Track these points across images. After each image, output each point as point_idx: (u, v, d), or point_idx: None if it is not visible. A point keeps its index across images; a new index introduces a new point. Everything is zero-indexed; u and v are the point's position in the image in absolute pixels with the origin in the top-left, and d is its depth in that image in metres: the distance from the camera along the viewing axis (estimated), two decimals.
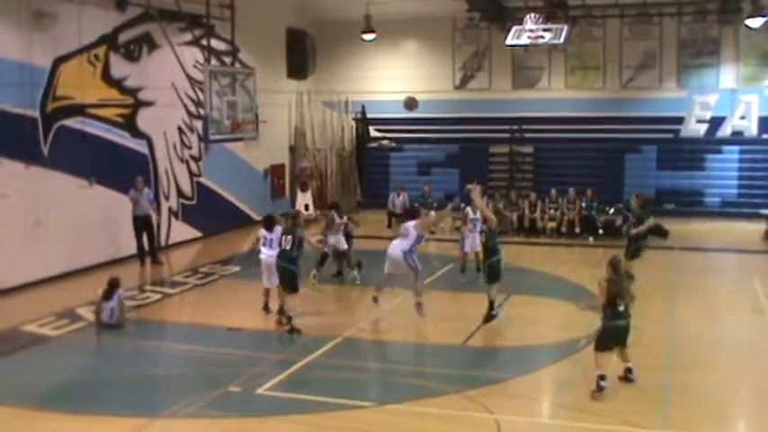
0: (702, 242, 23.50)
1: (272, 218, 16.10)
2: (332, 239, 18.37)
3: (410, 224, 15.35)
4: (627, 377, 11.81)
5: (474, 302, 16.61)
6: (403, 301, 16.57)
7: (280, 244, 14.74)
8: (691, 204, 26.85)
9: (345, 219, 19.10)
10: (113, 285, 15.16)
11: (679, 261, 21.21)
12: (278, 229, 15.33)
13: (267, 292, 15.76)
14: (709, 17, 26.98)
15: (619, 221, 24.25)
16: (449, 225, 25.49)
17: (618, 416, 10.61)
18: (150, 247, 20.73)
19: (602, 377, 11.26)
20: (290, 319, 14.42)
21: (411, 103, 15.37)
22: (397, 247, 14.93)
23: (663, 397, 11.34)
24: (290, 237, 14.59)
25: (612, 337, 11.46)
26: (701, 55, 27.84)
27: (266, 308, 15.76)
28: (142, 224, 20.43)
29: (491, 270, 14.94)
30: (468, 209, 19.12)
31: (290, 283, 14.55)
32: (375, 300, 15.43)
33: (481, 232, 15.99)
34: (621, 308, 11.37)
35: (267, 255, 15.44)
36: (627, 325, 11.51)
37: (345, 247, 18.75)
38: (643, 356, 12.98)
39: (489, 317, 14.80)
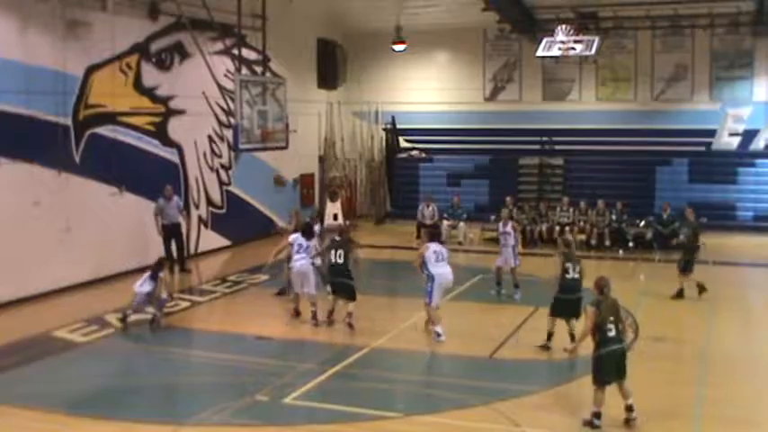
0: (735, 256, 23.24)
1: (311, 226, 16.21)
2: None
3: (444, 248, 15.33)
4: (629, 419, 10.69)
5: (502, 314, 16.59)
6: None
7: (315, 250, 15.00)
8: (723, 218, 26.50)
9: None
10: (160, 264, 15.55)
11: (711, 275, 20.96)
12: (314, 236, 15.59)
13: (297, 297, 15.83)
14: (742, 29, 26.73)
15: (649, 234, 24.08)
16: (477, 237, 25.43)
17: (648, 430, 10.48)
18: (179, 256, 20.81)
19: (596, 414, 10.58)
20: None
21: (278, 181, 15.95)
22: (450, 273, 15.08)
23: (694, 413, 11.21)
24: (341, 251, 14.99)
25: (608, 366, 10.57)
26: (734, 67, 27.58)
27: (297, 313, 15.83)
28: (170, 232, 20.52)
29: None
30: (500, 223, 18.98)
31: (349, 293, 15.20)
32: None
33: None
34: (612, 333, 10.57)
35: (302, 262, 15.49)
36: (622, 350, 10.69)
37: None
38: (675, 372, 12.90)
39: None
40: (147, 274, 15.70)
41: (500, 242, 18.81)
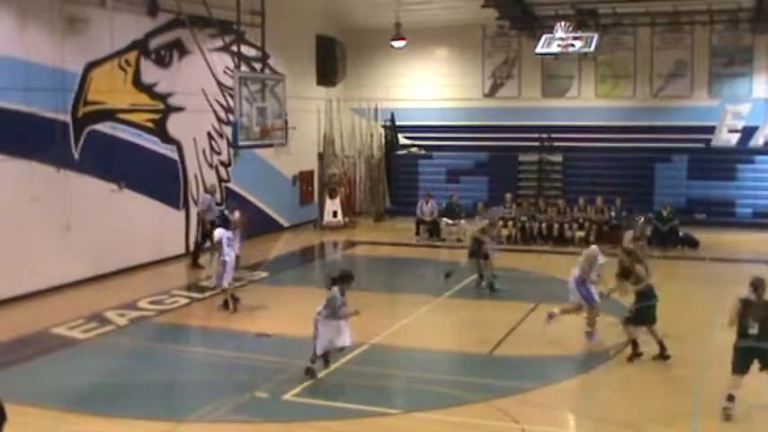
0: (734, 253, 23.25)
1: (226, 218, 17.30)
2: None
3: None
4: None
5: (501, 311, 16.59)
6: (429, 310, 16.57)
7: None
8: (722, 215, 26.57)
9: None
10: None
11: (710, 272, 21.02)
12: None
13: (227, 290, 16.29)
14: (742, 25, 26.71)
15: (648, 231, 24.07)
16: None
17: (648, 428, 10.50)
18: (195, 251, 21.24)
19: (729, 397, 10.83)
20: None
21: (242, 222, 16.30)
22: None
23: (693, 409, 11.21)
24: None
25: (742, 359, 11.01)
26: (734, 64, 27.59)
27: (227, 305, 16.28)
28: (209, 229, 20.68)
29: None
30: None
31: None
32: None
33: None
34: (753, 330, 10.91)
35: (233, 255, 16.36)
36: (758, 348, 10.97)
37: None
38: (674, 368, 12.89)
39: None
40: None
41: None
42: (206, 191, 21.97)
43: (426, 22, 28.92)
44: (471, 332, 15.11)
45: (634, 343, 13.25)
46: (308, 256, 24.76)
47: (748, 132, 27.61)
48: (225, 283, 16.21)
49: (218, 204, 21.72)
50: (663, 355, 13.21)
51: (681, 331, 14.76)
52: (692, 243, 23.72)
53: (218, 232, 16.31)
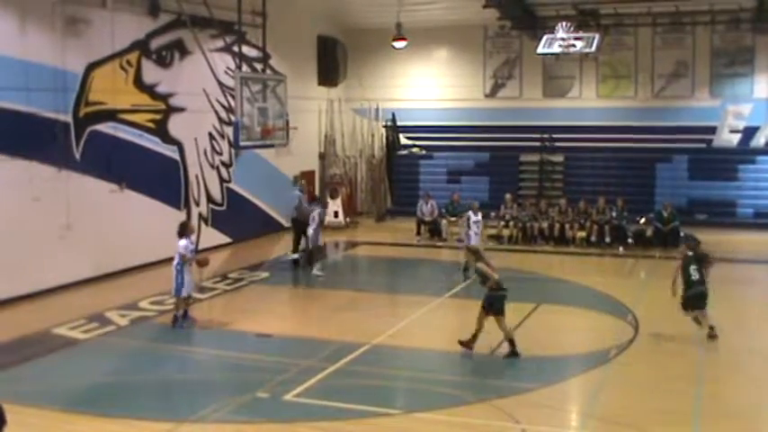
0: (734, 253, 23.19)
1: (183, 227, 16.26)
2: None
3: None
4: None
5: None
6: (430, 310, 16.57)
7: None
8: (723, 215, 26.55)
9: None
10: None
11: (711, 272, 20.96)
12: None
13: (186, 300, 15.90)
14: (743, 26, 26.70)
15: (649, 232, 24.07)
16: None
17: (648, 427, 10.49)
18: (302, 249, 21.32)
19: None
20: None
21: (202, 262, 15.88)
22: None
23: (693, 409, 11.20)
24: None
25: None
26: (735, 64, 27.57)
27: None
28: (302, 226, 20.96)
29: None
30: (470, 212, 20.21)
31: None
32: None
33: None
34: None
35: None
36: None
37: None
38: (674, 367, 12.89)
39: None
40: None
41: (471, 230, 19.89)
42: (300, 190, 22.28)
43: (427, 22, 28.93)
44: (472, 332, 15.07)
45: (512, 341, 13.56)
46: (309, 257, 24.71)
47: (749, 133, 27.59)
48: (184, 293, 15.66)
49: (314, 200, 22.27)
50: (512, 352, 13.46)
51: (681, 331, 14.76)
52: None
53: (182, 244, 15.65)
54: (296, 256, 21.24)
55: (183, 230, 15.82)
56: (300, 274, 20.96)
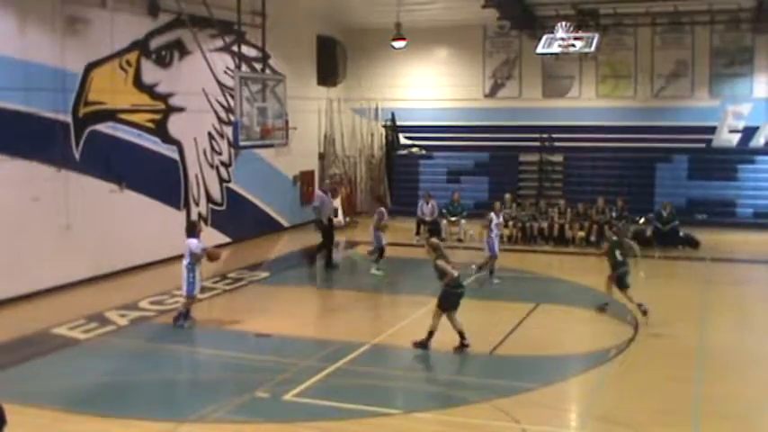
0: (734, 253, 23.26)
1: (191, 225, 16.19)
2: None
3: None
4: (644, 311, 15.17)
5: (501, 311, 16.60)
6: (430, 310, 16.56)
7: None
8: (722, 215, 26.57)
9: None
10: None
11: (710, 272, 21.02)
12: None
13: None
14: (742, 26, 26.74)
15: (649, 232, 24.08)
16: (478, 233, 25.42)
17: (647, 428, 10.50)
18: (328, 251, 21.31)
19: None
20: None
21: (213, 256, 15.57)
22: None
23: (693, 409, 11.21)
24: None
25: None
26: (734, 64, 27.58)
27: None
28: (330, 229, 21.09)
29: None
30: (492, 214, 19.72)
31: None
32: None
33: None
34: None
35: None
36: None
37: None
38: (673, 368, 12.90)
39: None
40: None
41: (492, 232, 19.37)
42: (323, 190, 22.27)
43: (427, 22, 28.93)
44: (472, 332, 15.06)
45: (462, 334, 13.77)
46: (309, 257, 24.72)
47: (749, 132, 27.61)
48: (195, 292, 15.64)
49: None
50: (462, 345, 13.68)
51: (681, 331, 14.79)
52: (693, 243, 23.71)
53: (194, 243, 15.46)
54: (332, 258, 21.37)
55: (193, 229, 15.76)
56: (300, 274, 20.97)
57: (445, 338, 14.65)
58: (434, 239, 14.67)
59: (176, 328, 15.27)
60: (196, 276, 15.35)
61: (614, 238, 17.01)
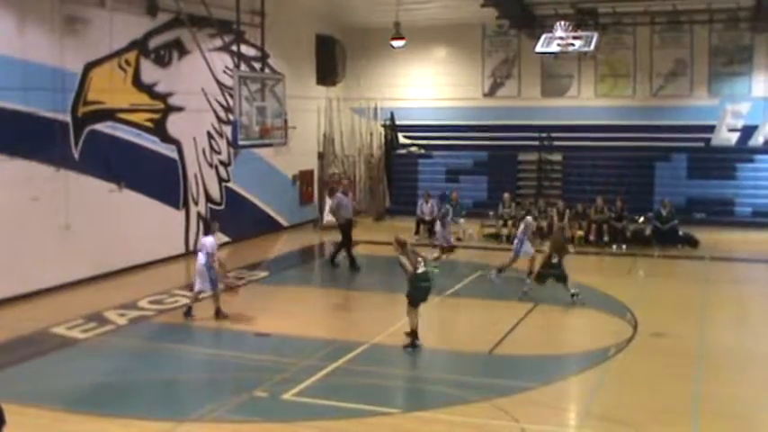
0: (733, 252, 23.27)
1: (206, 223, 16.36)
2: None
3: None
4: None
5: (500, 310, 16.60)
6: (429, 309, 16.58)
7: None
8: (721, 214, 26.57)
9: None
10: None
11: (709, 271, 21.02)
12: None
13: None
14: (741, 25, 26.74)
15: (648, 231, 24.08)
16: (476, 233, 25.43)
17: (647, 427, 10.50)
18: (348, 251, 21.24)
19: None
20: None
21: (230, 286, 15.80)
22: None
23: (692, 408, 11.21)
24: None
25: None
26: (733, 63, 27.58)
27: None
28: (349, 228, 21.06)
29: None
30: (529, 218, 20.13)
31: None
32: None
33: None
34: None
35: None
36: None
37: None
38: (673, 366, 12.90)
39: None
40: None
41: (526, 235, 19.13)
42: (342, 192, 22.40)
43: (426, 21, 28.92)
44: (471, 331, 15.12)
45: (414, 333, 13.99)
46: (308, 256, 24.78)
47: (748, 131, 27.59)
48: (221, 287, 15.98)
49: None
50: (412, 343, 13.89)
51: (681, 330, 14.79)
52: (692, 242, 23.72)
53: (209, 241, 15.86)
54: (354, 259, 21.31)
55: (210, 227, 15.90)
56: (299, 274, 20.98)
57: (445, 338, 14.70)
58: (401, 236, 14.92)
59: (181, 331, 15.30)
60: (215, 273, 15.67)
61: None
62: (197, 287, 15.91)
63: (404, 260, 14.06)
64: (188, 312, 15.96)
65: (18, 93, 17.17)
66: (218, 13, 21.51)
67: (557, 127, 29.16)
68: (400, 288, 15.45)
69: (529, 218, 19.97)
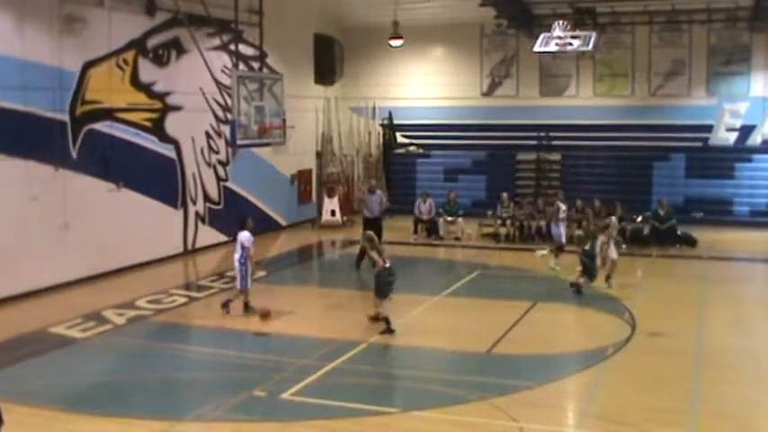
0: (731, 252, 23.27)
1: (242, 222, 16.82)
2: None
3: None
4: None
5: (499, 310, 16.60)
6: (427, 309, 16.58)
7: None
8: (719, 213, 26.60)
9: None
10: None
11: (707, 270, 21.03)
12: None
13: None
14: (740, 24, 26.77)
15: (646, 230, 24.07)
16: (475, 232, 25.43)
17: (645, 426, 10.50)
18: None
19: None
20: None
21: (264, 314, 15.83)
22: None
23: (691, 408, 11.21)
24: None
25: None
26: (731, 62, 27.60)
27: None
28: (371, 226, 20.62)
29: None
30: (559, 203, 21.16)
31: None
32: None
33: None
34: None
35: None
36: None
37: None
38: (671, 366, 12.91)
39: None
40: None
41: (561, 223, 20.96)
42: (369, 190, 22.46)
43: (424, 20, 28.93)
44: (469, 331, 15.10)
45: (387, 320, 14.70)
46: (307, 255, 24.78)
47: (746, 131, 27.62)
48: (249, 284, 16.20)
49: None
50: (388, 330, 14.55)
51: (679, 329, 14.79)
52: (691, 242, 23.72)
53: (245, 236, 16.31)
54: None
55: (244, 223, 16.25)
56: (297, 273, 20.97)
57: (443, 338, 14.70)
58: (369, 232, 15.83)
59: (179, 330, 15.29)
60: (248, 270, 15.96)
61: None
62: (238, 285, 16.22)
63: (375, 255, 14.96)
64: (225, 305, 16.23)
65: (16, 92, 17.15)
66: (217, 12, 21.50)
67: (555, 126, 29.18)
68: (399, 288, 15.53)
69: (558, 202, 21.40)
